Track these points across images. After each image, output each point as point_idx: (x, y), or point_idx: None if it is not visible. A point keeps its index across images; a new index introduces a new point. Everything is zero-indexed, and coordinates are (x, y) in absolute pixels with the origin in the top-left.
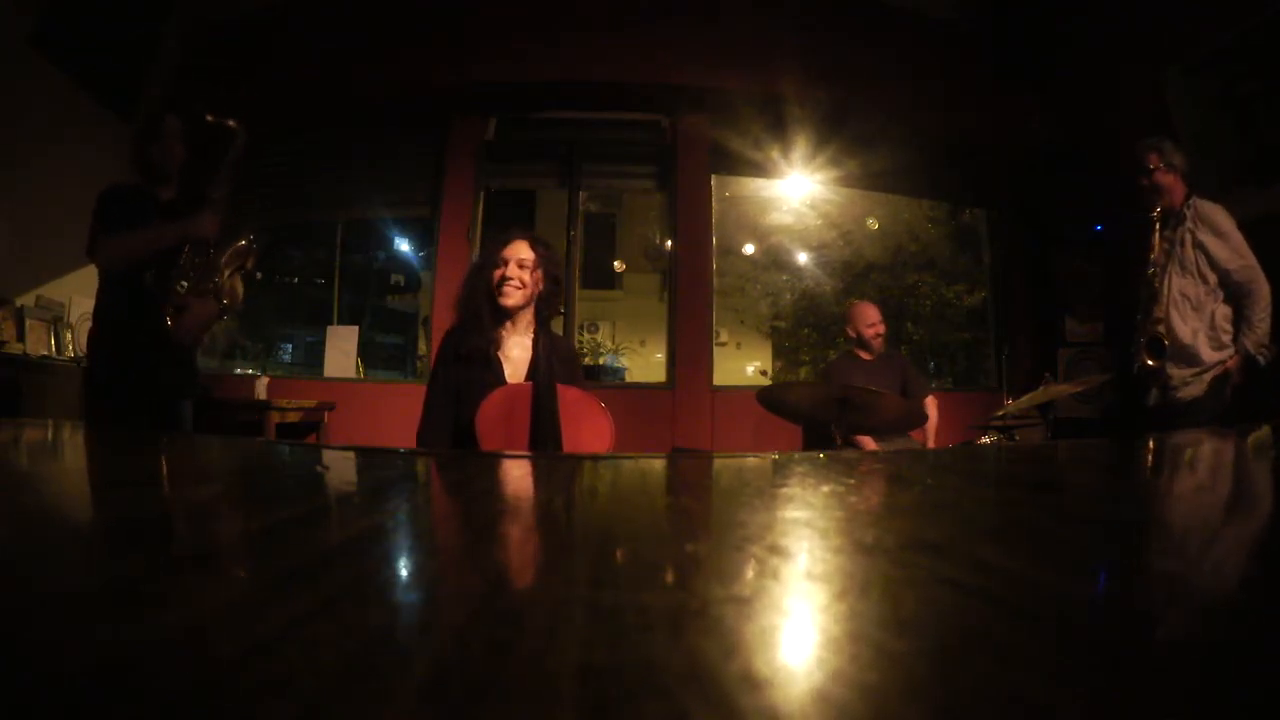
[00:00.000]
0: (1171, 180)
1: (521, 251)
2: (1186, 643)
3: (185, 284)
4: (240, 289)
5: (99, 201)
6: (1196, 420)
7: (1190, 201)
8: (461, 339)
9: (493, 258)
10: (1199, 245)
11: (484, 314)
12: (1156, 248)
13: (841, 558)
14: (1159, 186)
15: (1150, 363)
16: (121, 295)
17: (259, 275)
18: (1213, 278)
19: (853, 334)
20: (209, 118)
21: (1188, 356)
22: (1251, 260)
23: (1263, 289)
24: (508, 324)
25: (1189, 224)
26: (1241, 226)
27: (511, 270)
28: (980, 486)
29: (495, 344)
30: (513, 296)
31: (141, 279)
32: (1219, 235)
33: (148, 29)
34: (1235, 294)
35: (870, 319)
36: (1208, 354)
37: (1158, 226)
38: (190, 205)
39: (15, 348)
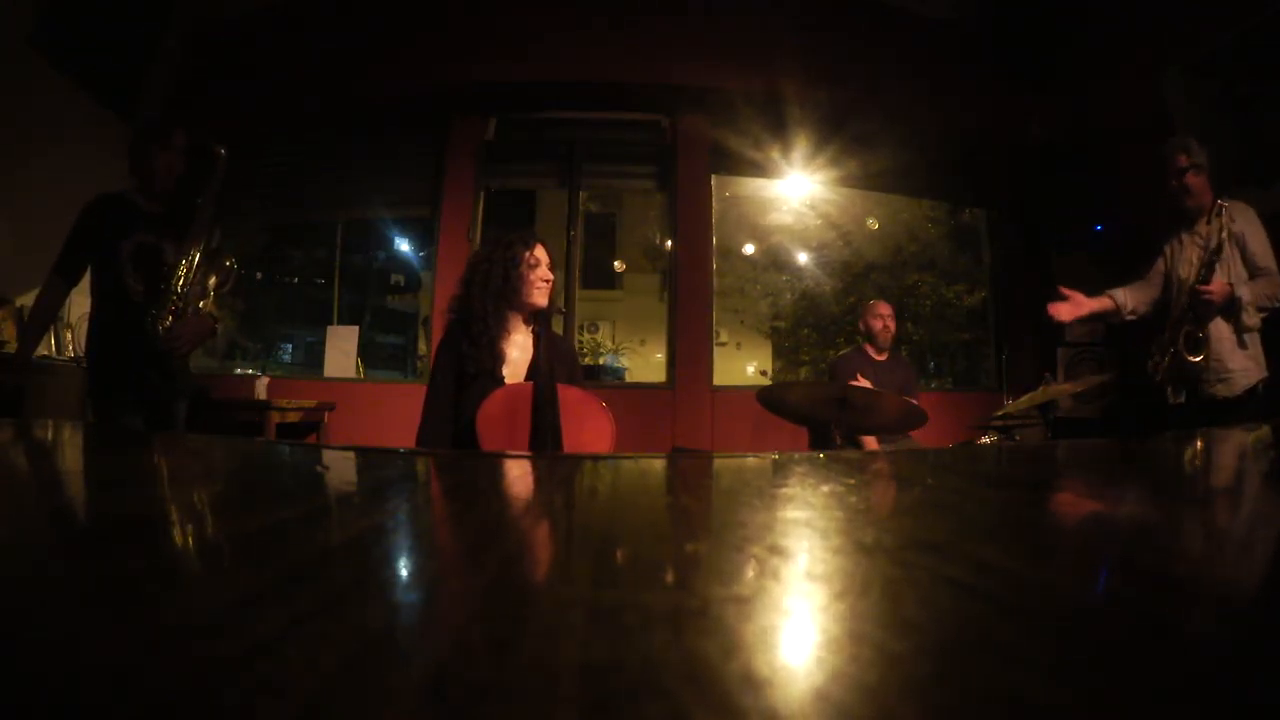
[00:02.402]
0: (1200, 181)
1: (545, 254)
2: (1186, 642)
3: (172, 309)
4: (217, 311)
5: (78, 217)
6: (1228, 420)
7: (1219, 202)
8: (470, 353)
9: (517, 258)
10: (1236, 239)
11: (501, 315)
12: (1191, 249)
13: (841, 558)
14: (1188, 188)
15: (1191, 359)
16: (114, 305)
17: (238, 288)
18: (1244, 275)
19: (863, 328)
20: (194, 137)
21: (1225, 354)
22: (1275, 264)
23: (1279, 284)
24: (511, 325)
25: (1225, 222)
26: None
27: (545, 271)
28: (980, 486)
29: (502, 359)
30: (546, 294)
31: (131, 294)
32: (1254, 230)
33: (148, 29)
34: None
35: (881, 311)
36: (1239, 360)
37: (1203, 223)
38: (179, 219)
39: (15, 348)
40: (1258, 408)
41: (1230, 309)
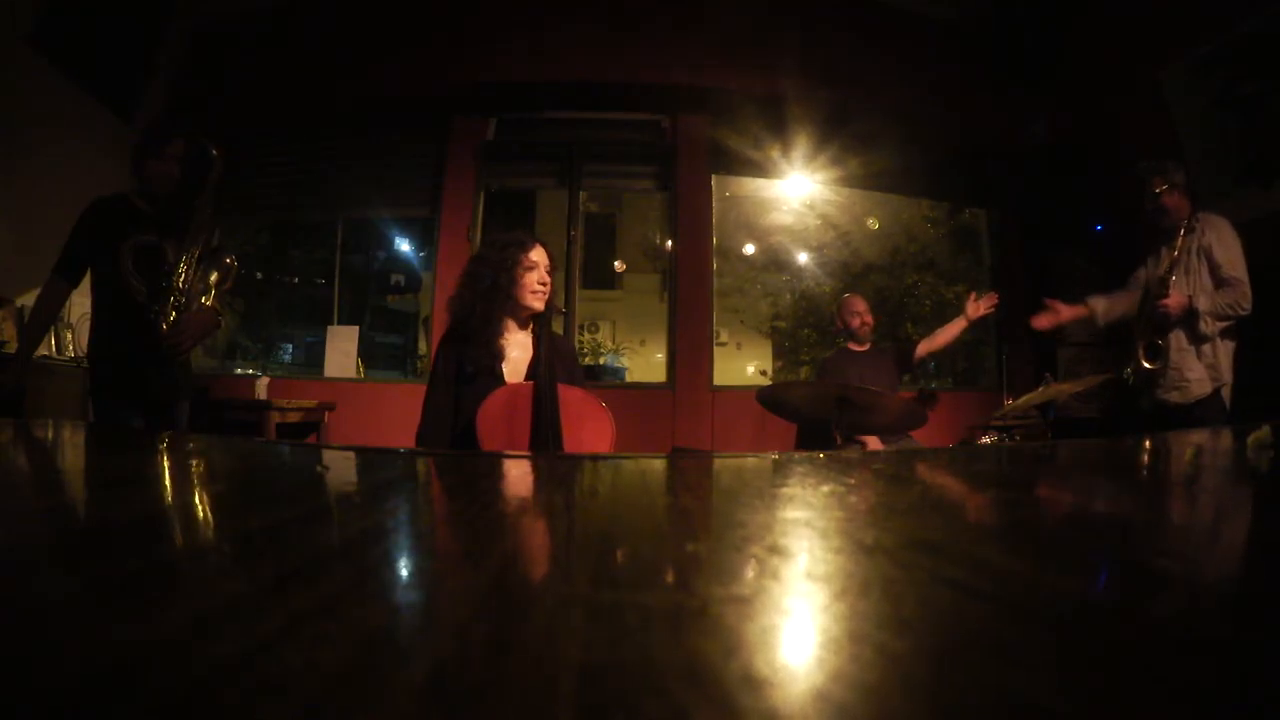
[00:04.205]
0: (1176, 200)
1: (544, 256)
2: (1186, 642)
3: (175, 306)
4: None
5: (79, 218)
6: (1191, 424)
7: (1197, 215)
8: (469, 353)
9: (513, 261)
10: (1203, 251)
11: (496, 318)
12: (1166, 260)
13: (841, 558)
14: (1165, 208)
15: (1147, 365)
16: (116, 304)
17: (230, 287)
18: (1209, 286)
19: (841, 325)
20: (191, 140)
21: (1183, 363)
22: (1244, 274)
23: (1246, 294)
24: (508, 326)
25: (1197, 236)
26: (1243, 227)
27: (543, 274)
28: (980, 486)
29: (501, 358)
30: (543, 299)
31: (133, 293)
32: (1223, 241)
33: (148, 29)
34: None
35: (855, 309)
36: (1196, 369)
37: (1178, 238)
38: (179, 219)
39: (15, 348)
40: (1219, 414)
41: (1188, 320)
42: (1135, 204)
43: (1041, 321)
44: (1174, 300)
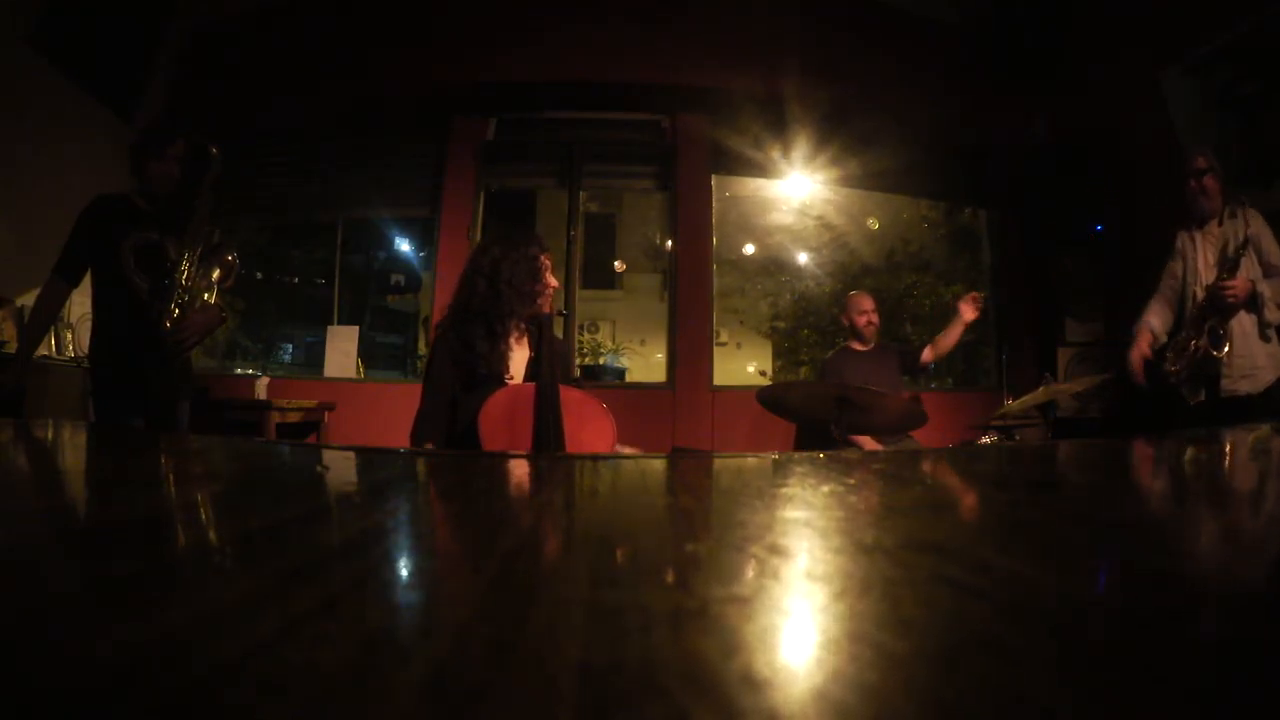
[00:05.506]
0: (1216, 185)
1: (549, 258)
2: (1187, 642)
3: (178, 303)
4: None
5: (79, 218)
6: (1258, 414)
7: (1229, 205)
8: (479, 353)
9: (537, 260)
10: (1251, 239)
11: (514, 314)
12: (1212, 243)
13: (841, 558)
14: (1206, 189)
15: (1215, 353)
16: (118, 303)
17: (229, 284)
18: (1260, 274)
19: (846, 323)
20: (191, 140)
21: (1248, 349)
22: None
23: None
24: (520, 325)
25: (1241, 222)
26: None
27: (552, 278)
28: (980, 486)
29: (506, 365)
30: (550, 301)
31: (136, 291)
32: (1265, 233)
33: (148, 29)
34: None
35: (863, 307)
36: (1264, 355)
37: (1218, 224)
38: (179, 217)
39: (15, 348)
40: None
41: (1253, 304)
42: (1171, 189)
43: (1139, 366)
44: (1240, 283)
